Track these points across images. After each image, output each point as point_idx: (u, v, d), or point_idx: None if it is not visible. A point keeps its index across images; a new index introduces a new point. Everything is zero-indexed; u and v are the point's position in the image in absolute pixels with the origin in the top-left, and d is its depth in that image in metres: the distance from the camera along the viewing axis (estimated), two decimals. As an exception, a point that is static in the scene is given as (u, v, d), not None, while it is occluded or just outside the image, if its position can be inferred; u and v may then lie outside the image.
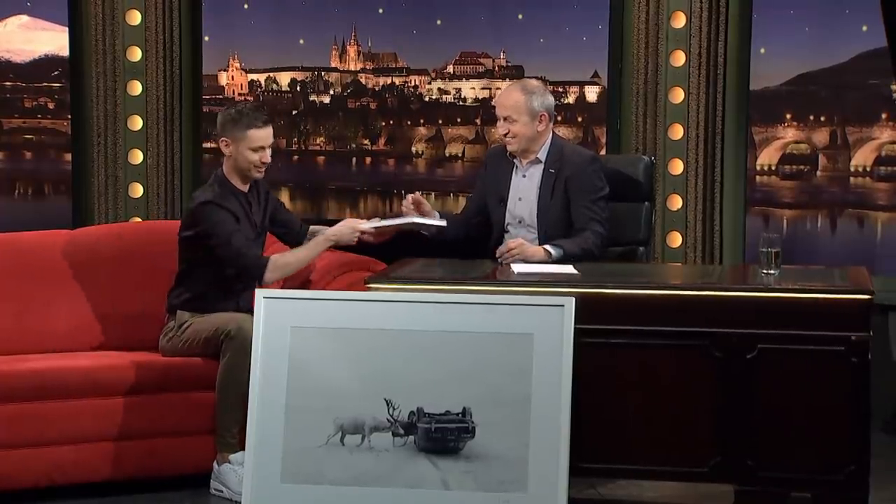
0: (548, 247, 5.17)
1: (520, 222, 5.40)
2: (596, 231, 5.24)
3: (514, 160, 5.42)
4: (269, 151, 5.24)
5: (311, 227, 5.44)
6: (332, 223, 5.40)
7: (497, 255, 5.17)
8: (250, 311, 5.02)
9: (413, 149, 7.30)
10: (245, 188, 5.28)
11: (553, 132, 5.41)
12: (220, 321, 5.11)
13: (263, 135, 5.20)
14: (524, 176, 5.41)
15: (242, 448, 4.80)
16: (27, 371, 5.06)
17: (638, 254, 5.55)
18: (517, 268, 4.99)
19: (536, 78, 6.78)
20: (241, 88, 7.40)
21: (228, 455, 5.03)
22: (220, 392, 5.02)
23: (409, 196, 5.41)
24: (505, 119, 5.32)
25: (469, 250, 5.39)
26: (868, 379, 4.45)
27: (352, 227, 5.27)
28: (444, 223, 5.29)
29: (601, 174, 5.33)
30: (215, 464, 5.06)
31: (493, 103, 5.45)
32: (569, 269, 4.93)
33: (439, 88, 7.25)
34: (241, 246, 5.16)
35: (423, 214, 5.36)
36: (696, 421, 4.56)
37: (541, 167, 5.37)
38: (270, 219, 5.41)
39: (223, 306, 5.22)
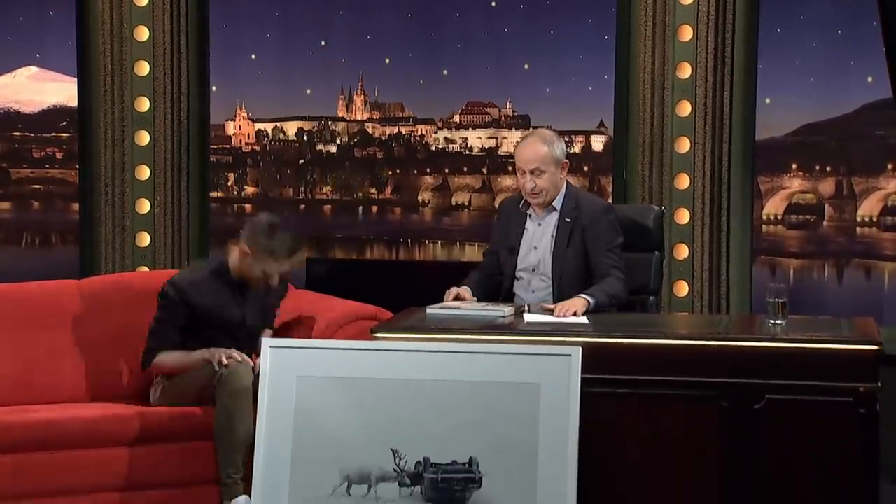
0: (585, 296, 5.05)
1: (533, 270, 5.34)
2: (619, 278, 5.19)
3: (528, 210, 5.39)
4: (278, 276, 5.26)
5: (265, 332, 5.38)
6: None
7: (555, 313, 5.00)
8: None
9: (419, 198, 7.31)
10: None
11: (567, 180, 5.40)
12: (209, 368, 5.10)
13: (282, 268, 5.24)
14: (539, 224, 5.36)
15: (247, 493, 4.79)
16: (31, 421, 5.04)
17: (648, 303, 5.50)
18: (528, 317, 4.97)
19: (543, 127, 6.82)
20: (249, 138, 7.43)
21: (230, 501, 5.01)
22: (217, 439, 5.00)
23: (452, 293, 5.22)
24: (532, 172, 5.22)
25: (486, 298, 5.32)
26: (877, 430, 4.43)
27: (228, 353, 5.13)
28: (509, 312, 5.04)
29: (616, 224, 5.30)
30: None
31: (520, 163, 5.26)
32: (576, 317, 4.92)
33: (445, 138, 7.28)
34: (153, 332, 5.23)
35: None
36: (703, 470, 4.53)
37: (556, 215, 5.32)
38: None
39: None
